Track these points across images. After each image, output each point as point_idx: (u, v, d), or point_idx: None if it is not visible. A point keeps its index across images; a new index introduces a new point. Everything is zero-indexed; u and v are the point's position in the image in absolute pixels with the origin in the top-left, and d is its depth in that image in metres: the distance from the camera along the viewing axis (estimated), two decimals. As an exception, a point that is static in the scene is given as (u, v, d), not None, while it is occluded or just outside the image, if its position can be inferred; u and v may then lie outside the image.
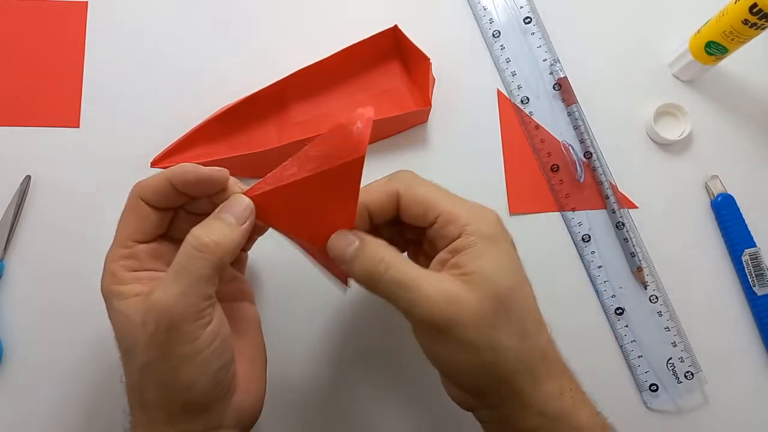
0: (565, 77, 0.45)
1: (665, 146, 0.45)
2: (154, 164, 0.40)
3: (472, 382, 0.29)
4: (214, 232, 0.28)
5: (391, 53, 0.44)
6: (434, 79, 0.42)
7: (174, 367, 0.27)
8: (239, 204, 0.30)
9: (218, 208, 0.30)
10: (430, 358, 0.30)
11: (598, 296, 0.42)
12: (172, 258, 0.29)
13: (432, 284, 0.28)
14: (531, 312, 0.30)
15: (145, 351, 0.28)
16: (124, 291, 0.29)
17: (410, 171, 0.32)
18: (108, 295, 0.30)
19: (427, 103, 0.42)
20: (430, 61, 0.41)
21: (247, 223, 0.30)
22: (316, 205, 0.29)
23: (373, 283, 0.29)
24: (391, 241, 0.30)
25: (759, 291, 0.42)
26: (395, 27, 0.43)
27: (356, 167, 0.28)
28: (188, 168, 0.30)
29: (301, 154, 0.29)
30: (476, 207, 0.31)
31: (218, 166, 0.39)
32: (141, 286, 0.29)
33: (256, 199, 0.30)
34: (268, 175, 0.29)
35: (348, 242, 0.29)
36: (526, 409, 0.29)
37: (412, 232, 0.33)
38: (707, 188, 0.44)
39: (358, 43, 0.42)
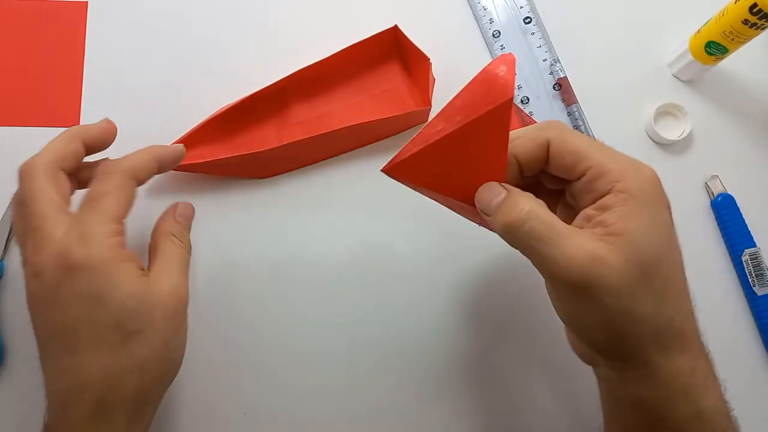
0: (565, 77, 0.45)
1: (665, 146, 0.45)
2: None
3: (601, 343, 0.28)
4: (187, 240, 0.37)
5: (391, 53, 0.44)
6: (434, 79, 0.42)
7: (179, 344, 0.32)
8: (190, 211, 0.39)
9: (173, 210, 0.38)
10: (559, 313, 0.29)
11: (598, 296, 0.42)
12: None
13: (574, 241, 0.26)
14: (675, 281, 0.28)
15: (162, 330, 0.30)
16: (131, 270, 0.30)
17: (561, 122, 0.31)
18: (109, 268, 0.29)
19: (427, 103, 0.42)
20: (430, 61, 0.41)
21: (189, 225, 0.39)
22: (467, 159, 0.29)
23: (511, 234, 0.28)
24: (534, 193, 0.29)
25: (759, 291, 0.42)
26: (395, 27, 0.43)
27: (504, 112, 0.27)
28: (171, 149, 0.35)
29: (446, 108, 0.28)
30: (632, 162, 0.29)
31: (218, 165, 0.39)
32: (137, 268, 0.31)
33: (405, 162, 0.29)
34: (416, 135, 0.29)
35: (495, 193, 0.29)
36: (652, 378, 0.27)
37: (554, 182, 0.31)
38: (707, 188, 0.44)
39: (357, 43, 0.42)
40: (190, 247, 0.37)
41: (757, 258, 0.43)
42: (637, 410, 0.29)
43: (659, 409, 0.28)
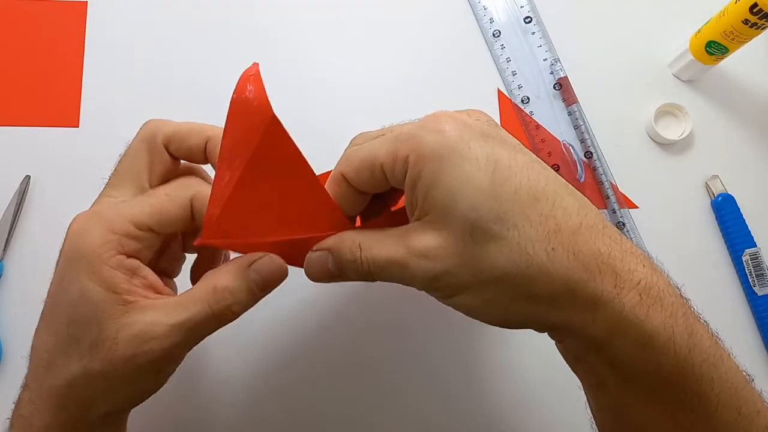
0: (566, 77, 0.45)
1: (665, 146, 0.45)
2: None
3: (497, 318, 0.25)
4: (239, 299, 0.26)
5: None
6: None
7: (138, 384, 0.26)
8: (272, 266, 0.26)
9: (250, 261, 0.26)
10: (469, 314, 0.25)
11: (599, 296, 0.42)
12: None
13: (403, 248, 0.24)
14: (527, 204, 0.23)
15: (109, 361, 0.25)
16: (109, 277, 0.25)
17: (357, 136, 0.28)
18: (92, 262, 0.25)
19: None
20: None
21: (267, 290, 0.26)
22: (278, 193, 0.26)
23: (363, 276, 0.26)
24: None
25: (759, 291, 0.42)
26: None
27: (277, 132, 0.24)
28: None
29: (222, 151, 0.25)
30: (421, 124, 0.25)
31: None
32: (124, 280, 0.26)
33: (216, 224, 0.25)
34: (211, 193, 0.25)
35: (322, 261, 0.26)
36: (571, 332, 0.23)
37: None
38: (707, 188, 0.44)
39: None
40: (235, 311, 0.26)
41: (757, 258, 0.43)
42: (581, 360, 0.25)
43: (605, 350, 0.23)
